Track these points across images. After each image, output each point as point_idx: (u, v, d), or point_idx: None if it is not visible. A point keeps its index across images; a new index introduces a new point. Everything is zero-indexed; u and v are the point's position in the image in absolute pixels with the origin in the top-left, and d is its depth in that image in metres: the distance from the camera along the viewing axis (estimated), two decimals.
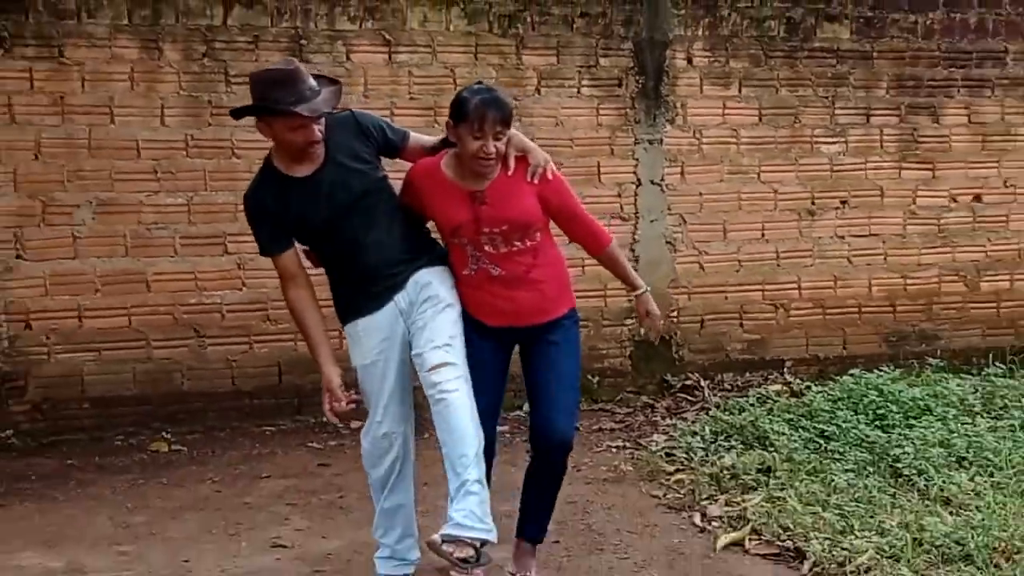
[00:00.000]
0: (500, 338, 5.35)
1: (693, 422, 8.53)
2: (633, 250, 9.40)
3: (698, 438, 7.99)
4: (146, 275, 8.55)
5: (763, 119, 9.71)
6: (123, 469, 7.81)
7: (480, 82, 5.37)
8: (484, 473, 5.06)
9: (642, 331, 5.49)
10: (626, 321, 9.22)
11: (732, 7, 9.59)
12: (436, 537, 4.95)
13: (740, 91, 9.66)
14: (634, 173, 9.44)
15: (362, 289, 5.30)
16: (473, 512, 4.94)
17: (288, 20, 8.71)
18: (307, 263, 5.45)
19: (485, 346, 5.34)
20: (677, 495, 7.13)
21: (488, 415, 5.36)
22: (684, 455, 7.76)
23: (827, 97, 9.82)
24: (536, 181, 5.15)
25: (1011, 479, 6.91)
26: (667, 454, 7.86)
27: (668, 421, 8.77)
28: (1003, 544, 5.85)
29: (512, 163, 5.13)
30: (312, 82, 5.11)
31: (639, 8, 9.39)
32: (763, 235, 9.76)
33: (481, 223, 5.12)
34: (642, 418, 8.95)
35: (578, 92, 9.32)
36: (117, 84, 8.47)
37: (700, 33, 9.55)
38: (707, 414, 8.63)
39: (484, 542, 4.94)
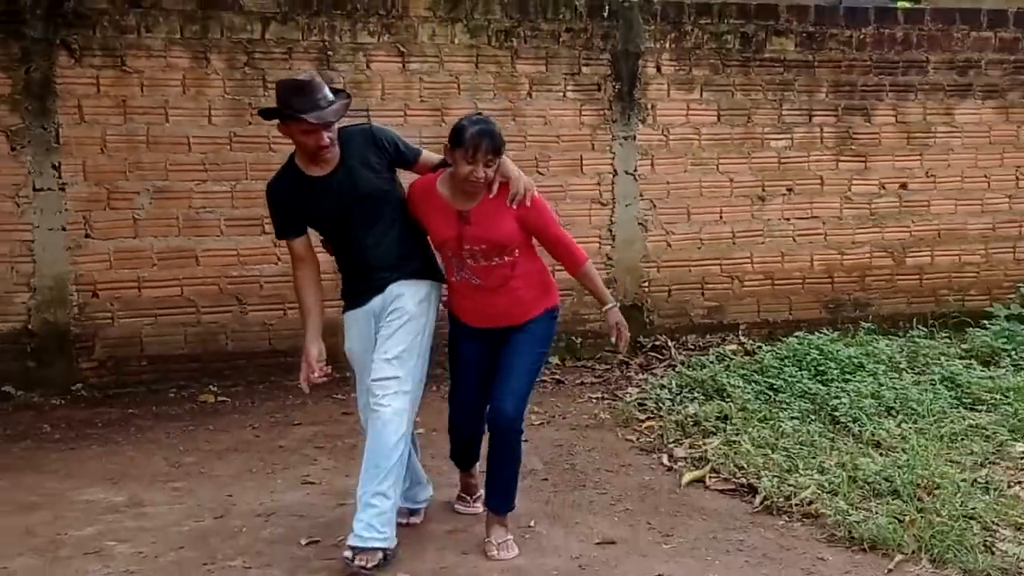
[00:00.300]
0: (483, 337, 5.24)
1: (661, 377, 8.47)
2: (611, 231, 9.37)
3: (666, 391, 7.94)
4: (196, 252, 8.50)
5: (721, 119, 9.62)
6: (176, 417, 7.77)
7: (479, 113, 5.27)
8: (393, 484, 4.95)
9: (612, 340, 5.37)
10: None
11: (695, 23, 9.51)
12: (347, 553, 4.89)
13: (701, 95, 9.57)
14: (611, 165, 9.37)
15: (354, 284, 5.20)
16: (371, 524, 4.89)
17: (317, 34, 8.63)
18: (323, 251, 5.37)
19: (470, 345, 5.28)
20: (648, 439, 7.10)
21: (474, 406, 5.32)
22: (654, 405, 7.72)
23: (775, 100, 9.74)
24: (515, 207, 5.02)
25: (932, 425, 6.89)
26: (639, 404, 7.82)
27: (640, 376, 8.72)
28: (925, 480, 5.84)
29: (496, 188, 5.00)
30: (328, 93, 4.99)
31: (615, 24, 9.31)
32: (721, 217, 9.69)
33: (463, 240, 5.01)
34: (618, 373, 8.91)
35: (564, 96, 9.24)
36: (171, 89, 8.39)
37: (667, 46, 9.46)
38: (673, 370, 8.58)
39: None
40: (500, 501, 5.25)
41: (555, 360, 9.08)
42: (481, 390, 5.30)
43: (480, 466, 5.53)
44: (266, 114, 5.13)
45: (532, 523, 5.56)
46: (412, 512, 5.52)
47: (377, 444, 4.93)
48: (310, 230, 5.27)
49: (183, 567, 5.04)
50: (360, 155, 5.10)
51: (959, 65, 10.17)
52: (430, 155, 5.33)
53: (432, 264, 5.30)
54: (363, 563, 4.87)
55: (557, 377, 8.77)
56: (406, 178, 5.30)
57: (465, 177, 4.90)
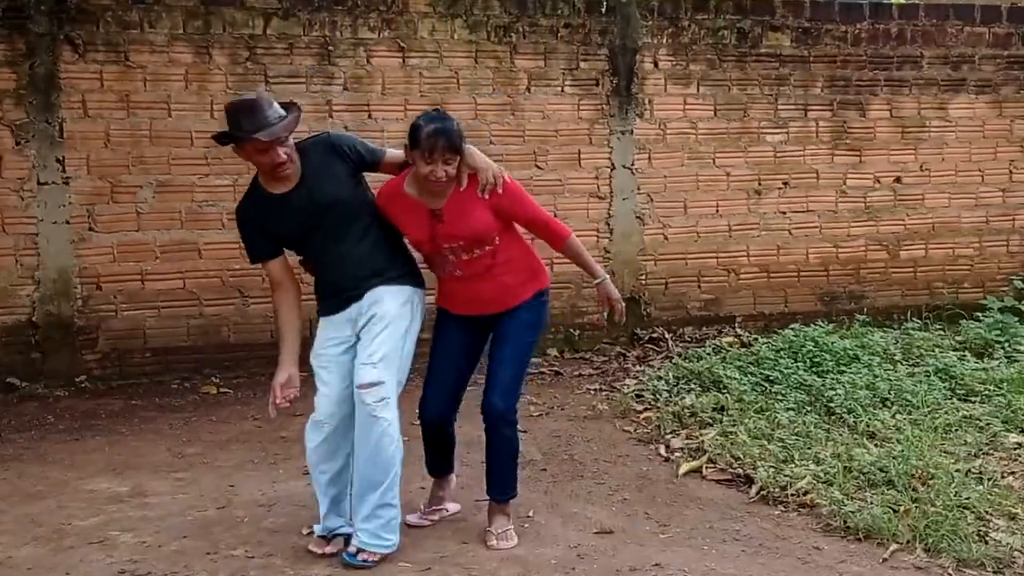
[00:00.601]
0: (470, 325, 5.18)
1: (659, 368, 8.47)
2: (608, 224, 9.36)
3: (663, 382, 7.92)
4: (198, 244, 8.49)
5: (717, 113, 9.62)
6: (179, 408, 7.76)
7: (437, 109, 5.07)
8: (395, 493, 4.92)
9: (604, 314, 5.29)
10: None
11: (691, 19, 9.50)
12: (351, 549, 4.89)
13: (698, 90, 9.55)
14: (609, 159, 9.36)
15: (332, 292, 5.06)
16: (376, 533, 4.88)
17: (318, 30, 8.61)
18: (301, 271, 5.27)
19: (455, 334, 5.20)
20: (645, 430, 7.09)
21: (447, 396, 5.22)
22: (651, 396, 7.70)
23: (771, 95, 9.73)
24: (487, 196, 4.92)
25: (926, 416, 6.88)
26: (637, 395, 7.80)
27: (638, 368, 8.71)
28: (919, 471, 5.83)
29: (465, 181, 4.91)
30: (278, 109, 4.82)
31: (613, 20, 9.30)
32: (717, 211, 9.68)
33: (439, 240, 4.93)
34: (616, 365, 8.90)
35: (562, 91, 9.22)
36: (174, 84, 8.37)
37: (664, 41, 9.45)
38: (670, 362, 8.57)
39: None
40: (500, 490, 5.22)
41: (553, 352, 9.09)
42: (457, 382, 5.24)
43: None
44: (220, 138, 4.93)
45: (531, 513, 5.54)
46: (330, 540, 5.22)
47: (376, 458, 4.86)
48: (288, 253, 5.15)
49: (186, 556, 5.02)
50: (321, 168, 4.94)
51: (953, 60, 10.16)
52: (396, 153, 5.16)
53: (413, 268, 5.17)
54: (364, 558, 4.87)
55: (556, 369, 8.76)
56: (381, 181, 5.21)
57: (426, 177, 4.80)
